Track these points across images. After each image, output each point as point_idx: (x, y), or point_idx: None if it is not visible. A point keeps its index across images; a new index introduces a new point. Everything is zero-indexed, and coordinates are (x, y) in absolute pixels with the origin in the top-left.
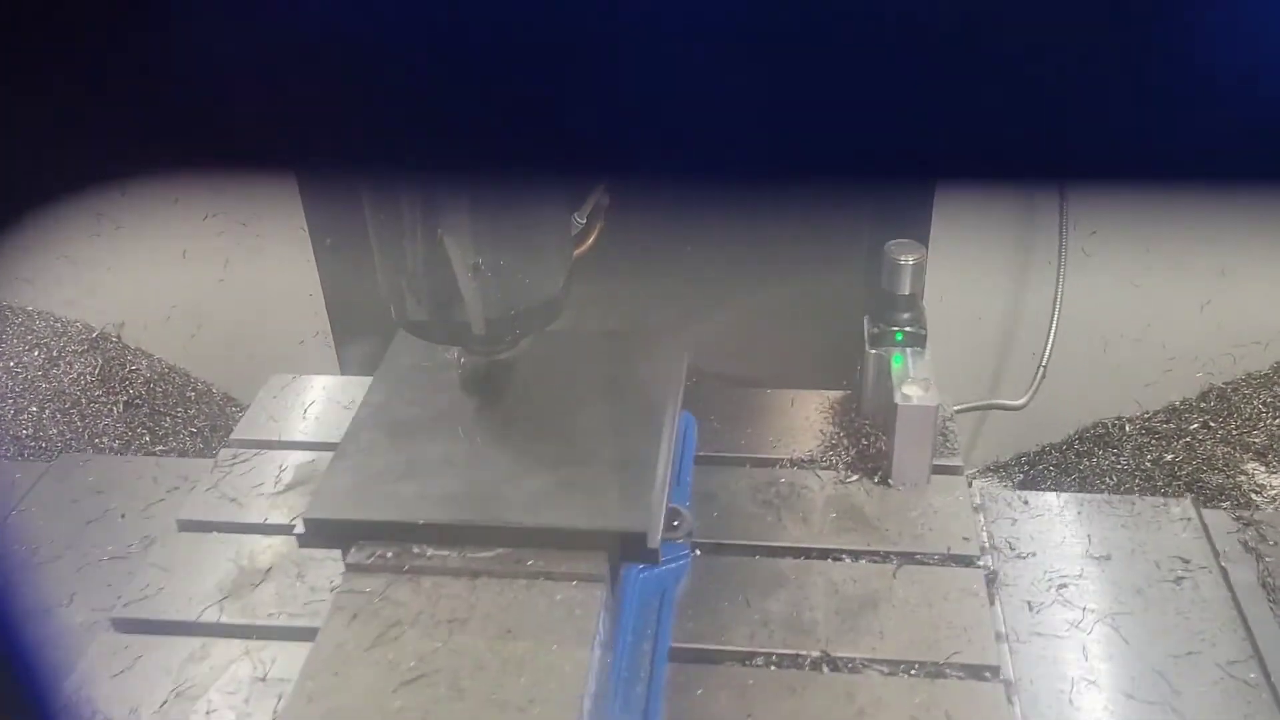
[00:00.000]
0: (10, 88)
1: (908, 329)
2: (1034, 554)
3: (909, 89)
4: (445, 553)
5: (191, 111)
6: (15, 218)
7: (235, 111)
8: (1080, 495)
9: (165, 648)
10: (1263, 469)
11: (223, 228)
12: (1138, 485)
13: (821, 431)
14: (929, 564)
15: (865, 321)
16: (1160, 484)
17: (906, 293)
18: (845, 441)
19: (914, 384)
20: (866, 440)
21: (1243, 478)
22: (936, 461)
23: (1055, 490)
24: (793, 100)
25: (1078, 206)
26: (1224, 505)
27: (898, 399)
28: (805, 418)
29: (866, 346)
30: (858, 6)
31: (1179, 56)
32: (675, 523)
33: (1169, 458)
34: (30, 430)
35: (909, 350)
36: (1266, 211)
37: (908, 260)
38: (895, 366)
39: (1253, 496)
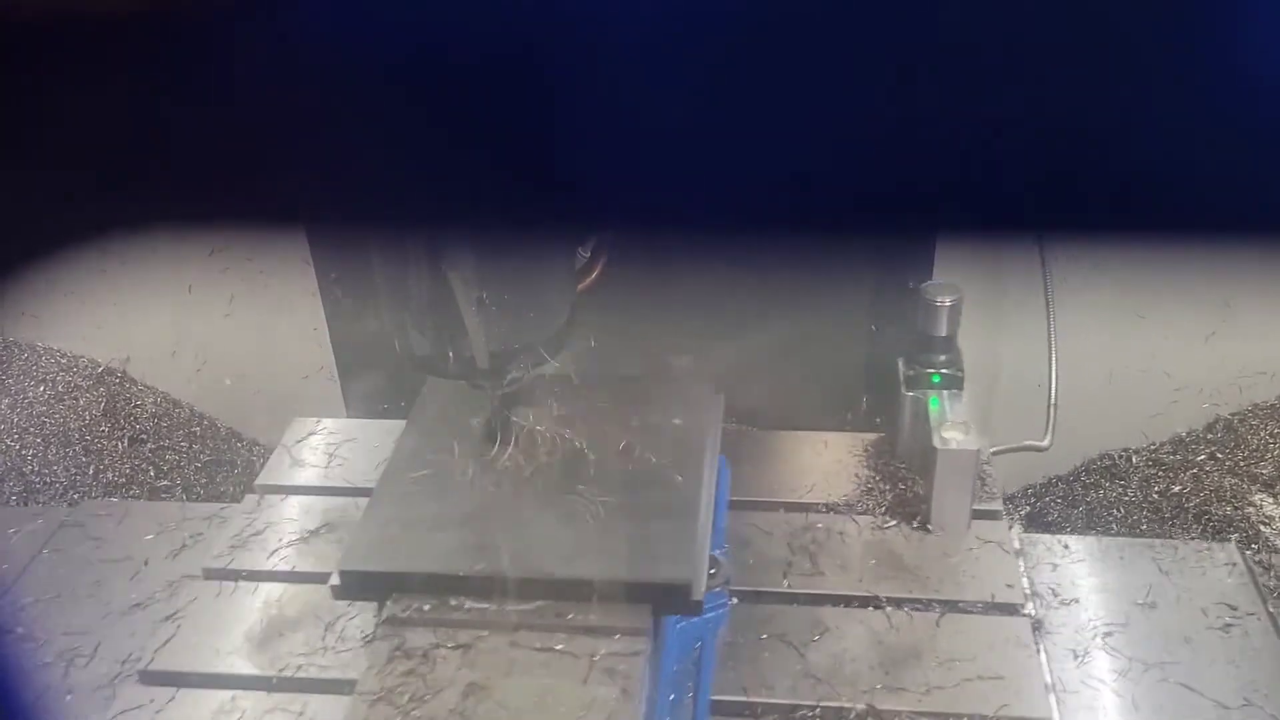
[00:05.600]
0: (23, 140)
1: (944, 371)
2: (1077, 600)
3: (907, 144)
4: (484, 605)
5: (198, 163)
6: (24, 263)
7: (242, 164)
8: (1122, 540)
9: (193, 701)
10: (1271, 500)
11: (228, 264)
12: (1145, 517)
13: (856, 475)
14: (972, 612)
15: (900, 364)
16: (1168, 516)
17: (943, 334)
18: (881, 486)
19: (954, 427)
20: (903, 484)
21: (1251, 509)
22: (975, 506)
23: (1062, 524)
24: (791, 152)
25: (1077, 243)
26: (1233, 537)
27: (937, 443)
28: (839, 461)
29: (902, 389)
30: (854, 64)
31: (1179, 96)
32: (712, 570)
33: (1176, 489)
34: (35, 466)
35: (946, 393)
36: (1270, 242)
37: (944, 302)
38: (933, 409)
39: (1261, 528)
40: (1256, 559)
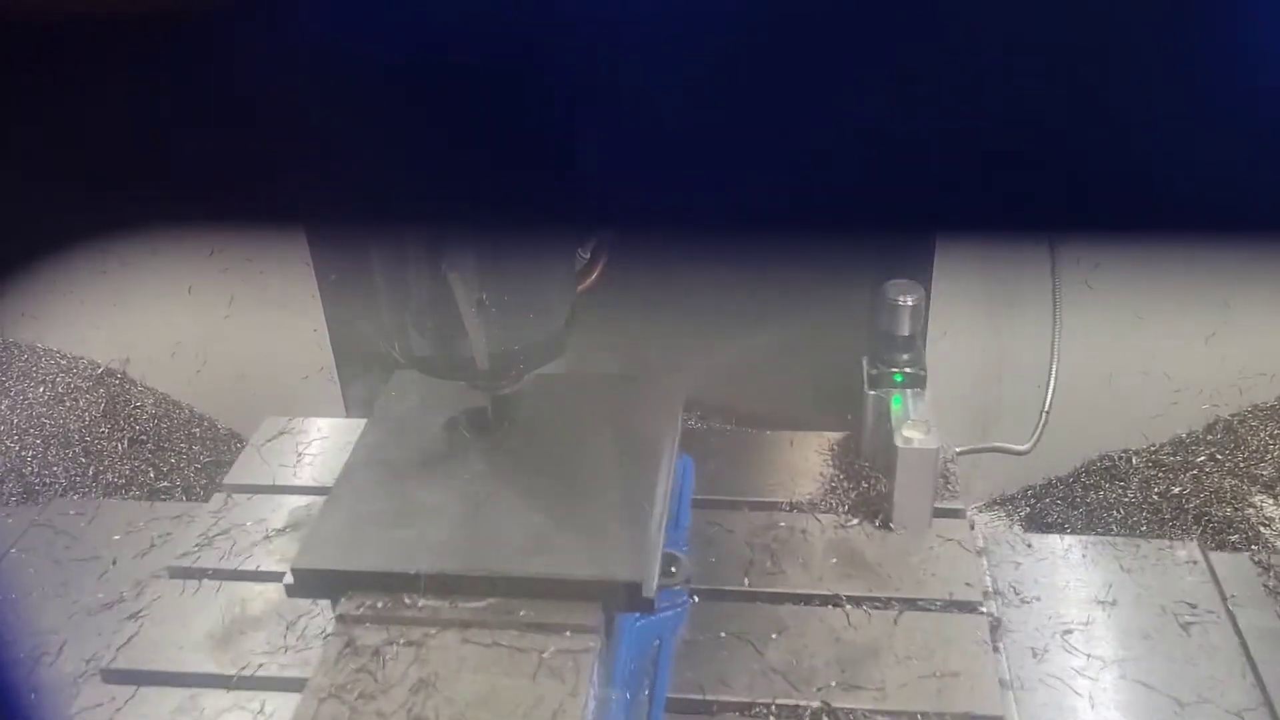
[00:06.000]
0: (24, 141)
1: (907, 370)
2: (1038, 599)
3: (907, 143)
4: (436, 603)
5: (197, 164)
6: (23, 264)
7: (241, 164)
8: (1085, 538)
9: (154, 699)
10: (1271, 501)
11: (228, 264)
12: (1145, 518)
13: (821, 474)
14: (931, 610)
15: (864, 363)
16: (1168, 517)
17: (905, 334)
18: (845, 484)
19: (914, 426)
20: (866, 483)
21: (1251, 510)
22: (938, 504)
23: (1062, 525)
24: (792, 151)
25: (1076, 244)
26: (1233, 538)
27: (898, 441)
28: (804, 460)
29: (865, 388)
30: (856, 63)
31: (1178, 96)
32: (673, 569)
33: (1176, 490)
34: (34, 467)
35: (908, 392)
36: (1270, 242)
37: (906, 301)
38: (895, 408)
39: (1261, 529)
40: (1256, 559)
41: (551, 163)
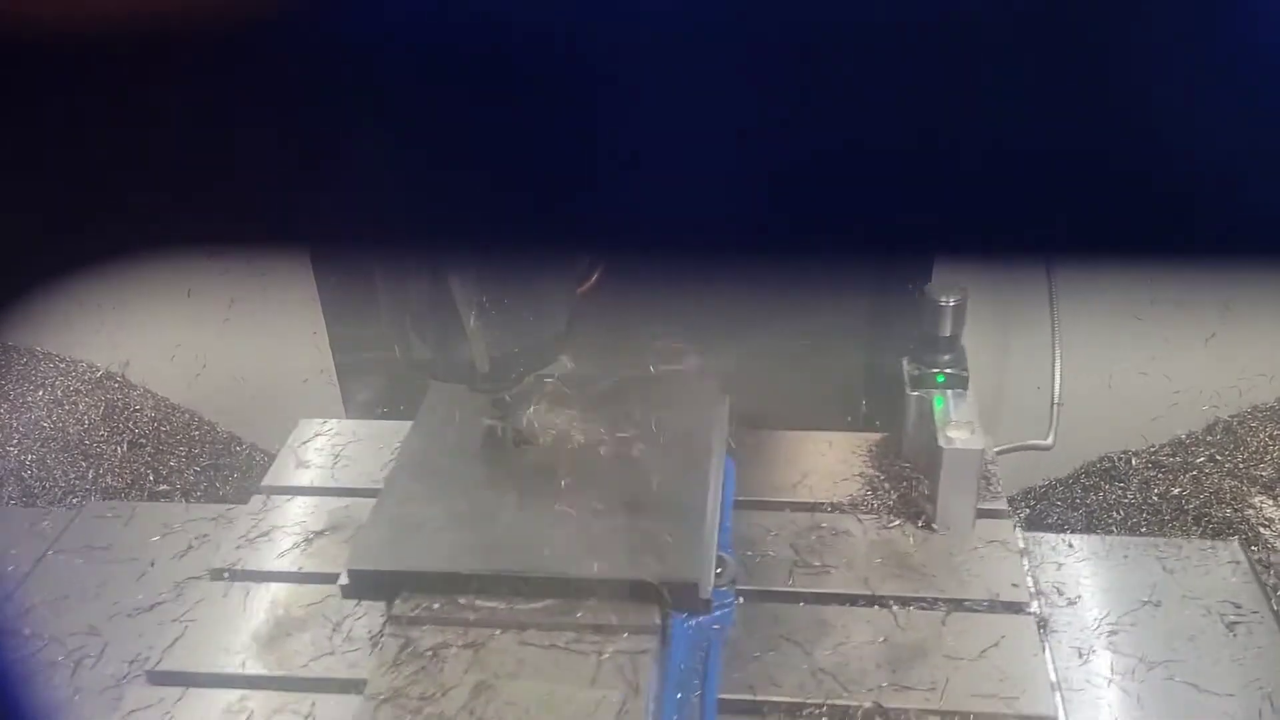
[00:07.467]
0: (35, 168)
1: (949, 370)
2: (1081, 598)
3: (901, 167)
4: (492, 604)
5: (200, 179)
6: (26, 292)
7: (245, 179)
8: (1126, 539)
9: (202, 700)
10: (1270, 502)
11: (227, 266)
12: (1145, 520)
13: (861, 475)
14: (978, 611)
15: (905, 363)
16: (1168, 518)
17: (947, 334)
18: (886, 485)
19: (958, 427)
20: (908, 484)
21: (1251, 511)
22: (980, 505)
23: (1061, 527)
24: (791, 174)
25: (1077, 247)
26: (1233, 539)
27: (942, 442)
28: (844, 461)
29: (907, 389)
30: (854, 87)
31: (1177, 97)
32: (719, 570)
33: (1176, 491)
34: (34, 471)
35: (950, 392)
36: (1270, 243)
37: (948, 301)
38: (937, 409)
39: (1261, 530)
40: (1257, 558)
41: (557, 184)
